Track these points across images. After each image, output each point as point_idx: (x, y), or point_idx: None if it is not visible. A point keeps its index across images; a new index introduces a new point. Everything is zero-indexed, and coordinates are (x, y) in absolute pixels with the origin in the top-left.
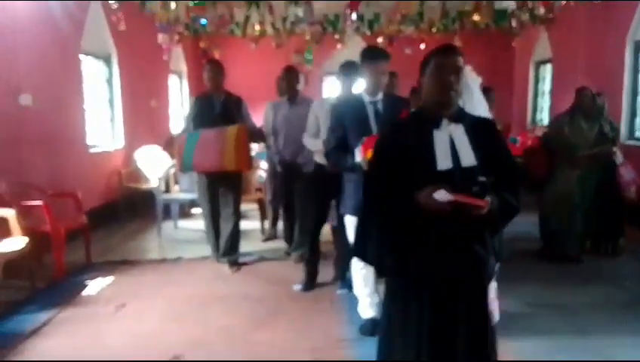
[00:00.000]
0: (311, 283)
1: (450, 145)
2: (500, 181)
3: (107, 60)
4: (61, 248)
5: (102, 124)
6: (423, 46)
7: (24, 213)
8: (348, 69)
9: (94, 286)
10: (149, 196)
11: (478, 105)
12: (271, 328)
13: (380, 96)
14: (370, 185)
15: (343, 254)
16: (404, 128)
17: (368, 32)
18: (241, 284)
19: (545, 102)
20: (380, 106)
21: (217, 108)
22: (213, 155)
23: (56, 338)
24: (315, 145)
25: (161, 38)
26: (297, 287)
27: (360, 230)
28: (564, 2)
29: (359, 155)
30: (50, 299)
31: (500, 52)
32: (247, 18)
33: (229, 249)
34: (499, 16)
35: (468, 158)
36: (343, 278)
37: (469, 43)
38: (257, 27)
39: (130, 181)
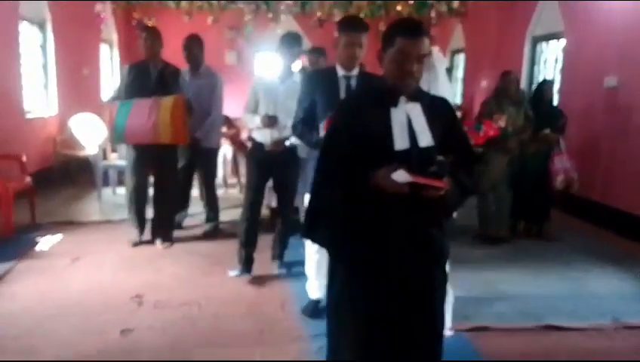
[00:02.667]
0: (247, 267)
1: (408, 124)
2: (455, 162)
3: (41, 26)
4: (9, 206)
5: (36, 90)
6: None
7: None
8: (289, 41)
9: (45, 242)
10: (84, 163)
11: (441, 88)
12: (218, 275)
13: (355, 71)
14: (325, 160)
15: (284, 234)
16: (362, 103)
17: (300, 13)
18: (187, 243)
19: (458, 88)
20: (353, 82)
21: (154, 77)
22: (147, 126)
23: (20, 284)
24: (253, 122)
25: (98, 6)
26: (234, 273)
27: (310, 209)
28: None
29: (323, 131)
30: (4, 253)
31: None
32: None
33: (161, 230)
34: (420, 7)
35: (425, 138)
36: (281, 258)
37: None
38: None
39: (65, 148)
